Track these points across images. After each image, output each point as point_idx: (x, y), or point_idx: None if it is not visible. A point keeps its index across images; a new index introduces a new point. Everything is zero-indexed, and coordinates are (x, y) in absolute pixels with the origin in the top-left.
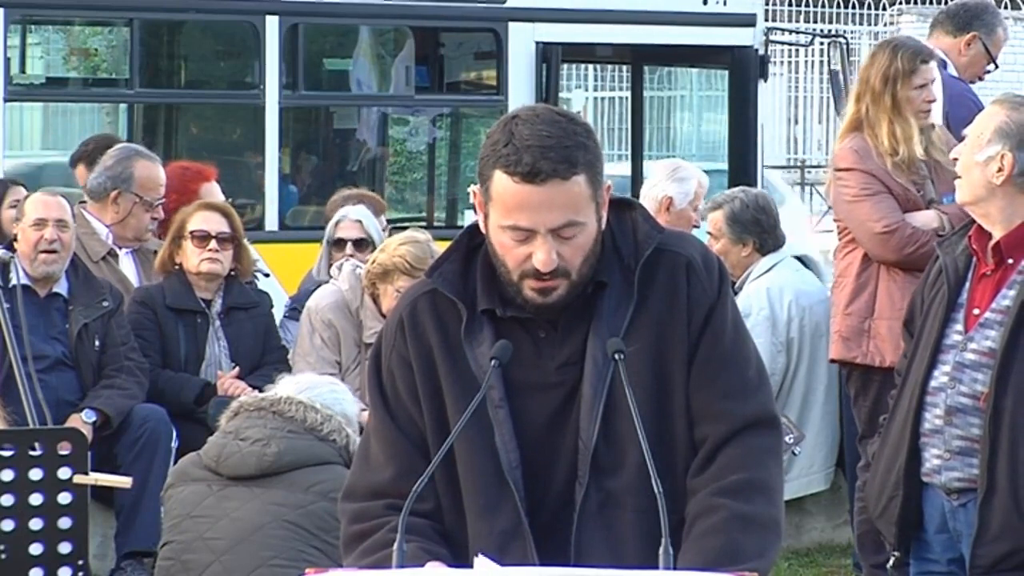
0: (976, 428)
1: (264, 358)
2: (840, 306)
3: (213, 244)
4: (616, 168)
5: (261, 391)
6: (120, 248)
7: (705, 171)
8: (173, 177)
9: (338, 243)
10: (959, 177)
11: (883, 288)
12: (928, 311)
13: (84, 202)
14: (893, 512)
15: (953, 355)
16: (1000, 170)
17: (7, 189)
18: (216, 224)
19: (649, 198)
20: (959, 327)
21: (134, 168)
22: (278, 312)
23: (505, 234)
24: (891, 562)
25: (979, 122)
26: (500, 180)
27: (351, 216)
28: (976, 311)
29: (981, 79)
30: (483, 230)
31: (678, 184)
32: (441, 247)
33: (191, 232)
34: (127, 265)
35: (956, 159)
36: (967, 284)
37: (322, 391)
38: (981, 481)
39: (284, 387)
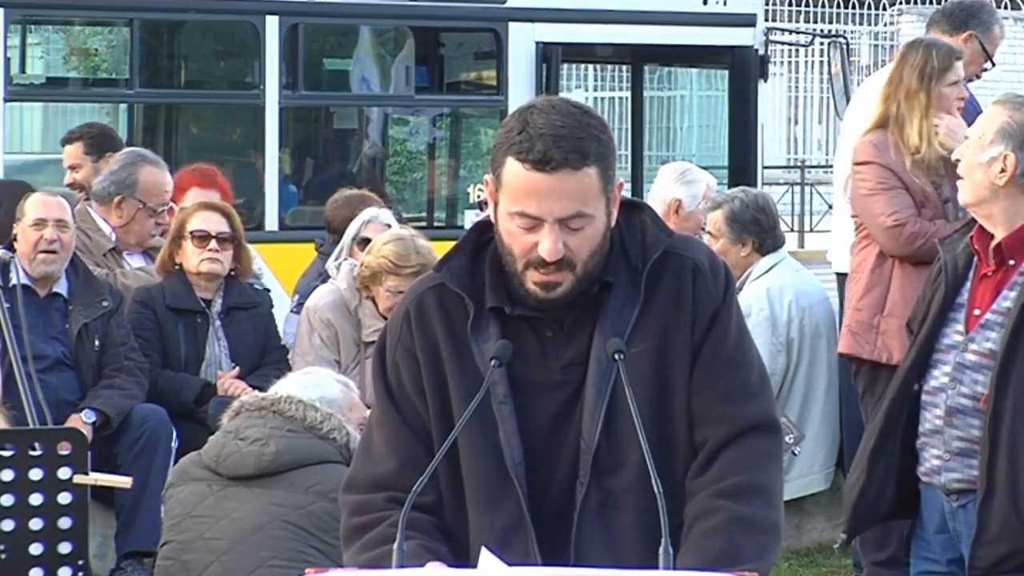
0: (976, 429)
1: (264, 358)
2: (851, 300)
3: (213, 244)
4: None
5: (262, 391)
6: (123, 253)
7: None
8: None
9: (364, 242)
10: (961, 178)
11: (896, 286)
12: (928, 310)
13: (88, 200)
14: (852, 495)
15: (954, 356)
16: (1003, 171)
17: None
18: (216, 224)
19: (658, 201)
20: (960, 327)
21: (139, 174)
22: (279, 312)
23: (513, 221)
24: (838, 544)
25: (981, 123)
26: (511, 167)
27: (381, 219)
28: (977, 312)
29: (978, 77)
30: (493, 219)
31: (687, 187)
32: (440, 247)
33: (191, 232)
34: (136, 264)
35: (958, 160)
36: (968, 284)
37: (299, 380)
38: (980, 482)
39: (277, 386)
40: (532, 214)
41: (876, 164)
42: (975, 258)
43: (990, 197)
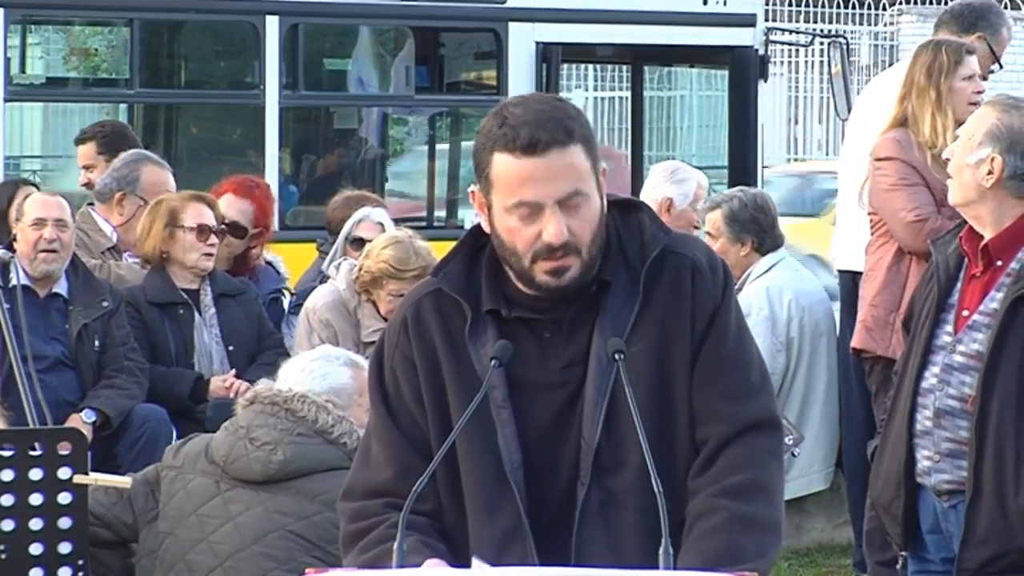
0: (964, 431)
1: (261, 344)
2: (867, 297)
3: (212, 239)
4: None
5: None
6: (124, 254)
7: (704, 171)
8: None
9: (356, 242)
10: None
11: (912, 284)
12: (921, 310)
13: (92, 204)
14: (897, 513)
15: (942, 356)
16: (990, 173)
17: (16, 190)
18: (209, 218)
19: (649, 200)
20: (949, 328)
21: (141, 172)
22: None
23: (512, 216)
24: (900, 563)
25: (971, 124)
26: (500, 160)
27: (373, 218)
28: (965, 313)
29: (985, 79)
30: (486, 228)
31: (677, 185)
32: (439, 247)
33: (192, 226)
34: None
35: (948, 159)
36: (958, 284)
37: (308, 369)
38: (968, 484)
39: (285, 377)
40: (531, 200)
41: (898, 160)
42: (966, 259)
43: (978, 198)
